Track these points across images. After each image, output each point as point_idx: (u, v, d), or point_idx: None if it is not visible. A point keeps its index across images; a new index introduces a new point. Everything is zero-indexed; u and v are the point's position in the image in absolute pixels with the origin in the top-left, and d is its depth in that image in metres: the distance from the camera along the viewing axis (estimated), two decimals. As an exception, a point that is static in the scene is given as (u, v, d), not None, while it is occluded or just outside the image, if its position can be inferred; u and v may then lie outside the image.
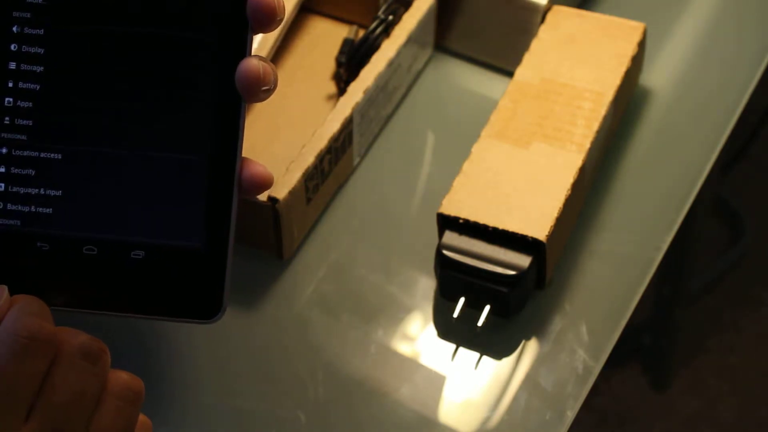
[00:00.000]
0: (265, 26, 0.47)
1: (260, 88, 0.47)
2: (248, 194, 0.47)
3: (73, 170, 0.47)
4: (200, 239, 0.47)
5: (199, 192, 0.47)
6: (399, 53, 0.69)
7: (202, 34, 0.47)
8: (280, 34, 0.71)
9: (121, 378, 0.45)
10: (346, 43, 0.73)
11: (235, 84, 0.47)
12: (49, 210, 0.47)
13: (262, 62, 0.47)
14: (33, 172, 0.47)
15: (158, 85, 0.47)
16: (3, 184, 0.47)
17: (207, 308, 0.47)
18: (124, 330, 0.59)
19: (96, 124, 0.47)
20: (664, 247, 0.65)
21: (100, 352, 0.45)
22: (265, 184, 0.48)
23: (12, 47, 0.47)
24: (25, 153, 0.47)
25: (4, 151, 0.47)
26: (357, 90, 0.67)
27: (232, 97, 0.47)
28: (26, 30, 0.47)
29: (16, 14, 0.47)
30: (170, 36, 0.47)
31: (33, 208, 0.47)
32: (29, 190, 0.47)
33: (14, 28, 0.47)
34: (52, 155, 0.47)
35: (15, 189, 0.47)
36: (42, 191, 0.47)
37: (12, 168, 0.47)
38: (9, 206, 0.47)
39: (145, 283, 0.46)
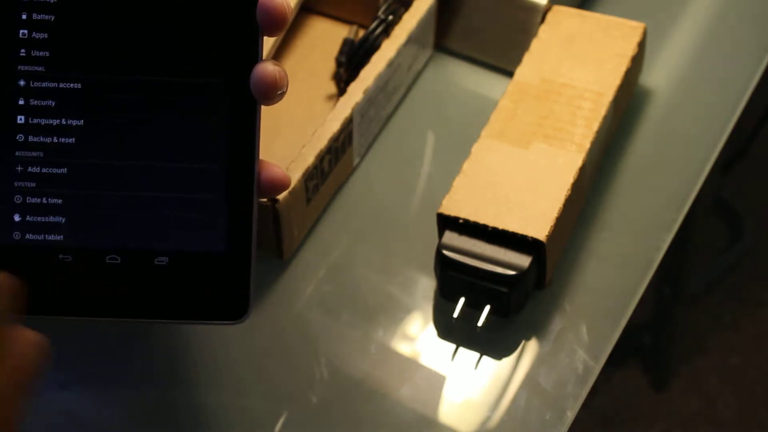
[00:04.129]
0: (274, 30, 0.47)
1: (276, 92, 0.47)
2: (266, 195, 0.48)
3: (94, 181, 0.47)
4: (224, 243, 0.47)
5: (221, 196, 0.47)
6: (399, 53, 0.69)
7: (215, 40, 0.47)
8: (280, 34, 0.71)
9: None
10: (346, 43, 0.73)
11: (249, 88, 0.47)
12: (69, 221, 0.47)
13: (276, 66, 0.47)
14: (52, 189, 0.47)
15: (173, 93, 0.47)
16: (22, 197, 0.47)
17: (235, 309, 0.47)
18: (123, 331, 0.59)
19: (114, 133, 0.47)
20: (664, 247, 0.65)
21: None
22: (283, 185, 0.48)
23: (19, 70, 0.47)
24: (44, 170, 0.47)
25: (23, 159, 0.47)
26: (357, 90, 0.67)
27: (247, 101, 0.47)
28: (33, 37, 0.47)
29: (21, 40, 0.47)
30: (181, 43, 0.47)
31: (54, 219, 0.47)
32: (51, 202, 0.47)
33: (20, 66, 0.47)
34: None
35: (36, 200, 0.47)
36: (63, 203, 0.47)
37: (28, 182, 0.47)
38: (29, 218, 0.47)
39: (171, 288, 0.46)
